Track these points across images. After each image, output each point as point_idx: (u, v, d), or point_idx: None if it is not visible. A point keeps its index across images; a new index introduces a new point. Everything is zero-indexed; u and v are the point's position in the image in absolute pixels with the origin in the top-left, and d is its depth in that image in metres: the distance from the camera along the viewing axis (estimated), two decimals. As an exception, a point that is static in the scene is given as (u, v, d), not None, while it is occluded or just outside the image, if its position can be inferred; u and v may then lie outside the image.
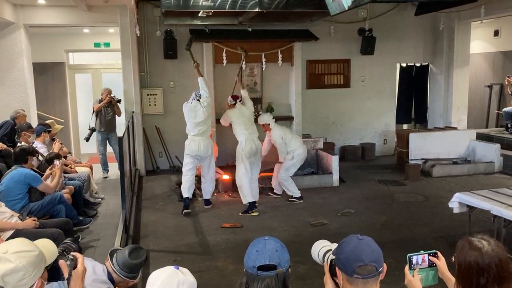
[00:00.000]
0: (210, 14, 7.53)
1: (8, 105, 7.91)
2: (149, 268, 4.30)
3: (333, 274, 1.86)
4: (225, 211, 6.77)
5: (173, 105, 9.05)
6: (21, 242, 1.76)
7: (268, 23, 8.92)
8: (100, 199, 7.12)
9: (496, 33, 11.25)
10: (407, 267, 2.11)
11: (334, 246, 1.92)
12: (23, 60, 8.22)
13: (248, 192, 6.66)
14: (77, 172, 6.86)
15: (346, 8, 5.93)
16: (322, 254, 1.95)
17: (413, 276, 2.10)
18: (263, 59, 8.91)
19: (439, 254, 2.16)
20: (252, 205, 6.63)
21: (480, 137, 9.35)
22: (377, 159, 10.14)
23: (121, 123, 8.64)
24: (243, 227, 6.09)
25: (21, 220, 4.56)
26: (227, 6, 6.83)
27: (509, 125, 9.52)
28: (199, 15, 7.62)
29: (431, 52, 10.65)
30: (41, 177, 5.27)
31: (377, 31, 9.86)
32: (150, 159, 9.31)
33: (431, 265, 2.13)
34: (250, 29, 9.22)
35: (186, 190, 6.67)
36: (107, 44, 10.75)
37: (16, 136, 6.58)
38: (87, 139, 8.53)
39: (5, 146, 6.23)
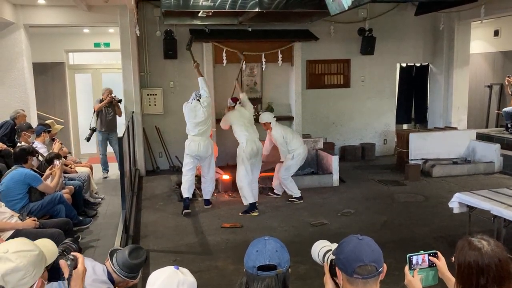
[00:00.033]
0: (210, 14, 7.54)
1: (8, 105, 7.92)
2: (149, 268, 4.30)
3: (333, 274, 1.86)
4: (225, 211, 6.77)
5: (173, 105, 9.05)
6: (22, 242, 1.76)
7: (268, 23, 8.92)
8: (100, 199, 7.13)
9: (496, 33, 11.25)
10: (407, 267, 2.11)
11: (334, 246, 1.92)
12: (23, 60, 8.22)
13: (249, 193, 6.66)
14: (77, 172, 6.86)
15: (346, 8, 5.92)
16: (322, 254, 1.95)
17: (413, 276, 2.09)
18: (263, 59, 8.91)
19: (439, 254, 2.16)
20: (252, 206, 6.63)
21: (480, 137, 9.35)
22: (377, 159, 10.14)
23: (121, 123, 8.64)
24: (243, 227, 6.09)
25: (21, 220, 4.56)
26: (227, 6, 6.83)
27: (509, 125, 9.53)
28: (199, 15, 7.62)
29: (431, 52, 10.66)
30: (41, 177, 5.27)
31: (377, 31, 9.86)
32: (150, 159, 9.31)
33: (431, 265, 2.13)
34: (250, 29, 9.22)
35: (186, 190, 6.67)
36: (107, 44, 10.75)
37: (16, 136, 6.58)
38: (88, 139, 8.53)
39: (5, 146, 6.23)
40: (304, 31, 9.49)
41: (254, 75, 9.59)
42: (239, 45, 8.93)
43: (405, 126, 11.23)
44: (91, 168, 7.44)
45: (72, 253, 1.97)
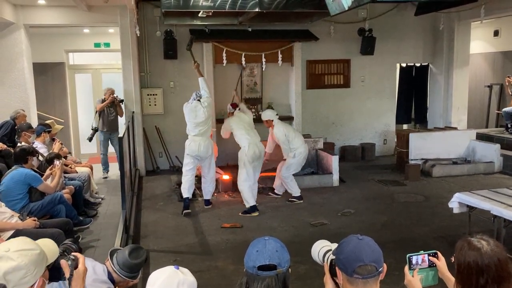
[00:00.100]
0: (210, 14, 7.54)
1: (8, 105, 7.92)
2: (149, 268, 4.30)
3: (333, 274, 1.86)
4: (225, 211, 6.77)
5: (173, 105, 9.06)
6: (23, 241, 1.77)
7: (268, 23, 8.92)
8: (100, 199, 7.13)
9: (496, 33, 11.25)
10: (406, 267, 2.11)
11: (334, 246, 1.92)
12: (23, 60, 8.22)
13: (250, 196, 6.66)
14: (77, 172, 6.86)
15: (346, 8, 5.92)
16: (322, 254, 1.96)
17: (412, 276, 2.10)
18: (263, 59, 8.92)
19: (439, 254, 2.16)
20: (253, 208, 6.62)
21: (480, 137, 9.35)
22: (377, 159, 10.14)
23: (121, 123, 8.65)
24: (243, 227, 6.09)
25: (21, 220, 4.56)
26: (227, 6, 6.84)
27: (509, 125, 9.52)
28: (199, 15, 7.62)
29: (431, 52, 10.66)
30: (41, 177, 5.28)
31: (377, 31, 9.87)
32: (150, 159, 9.31)
33: (431, 265, 2.13)
34: (250, 29, 9.22)
35: (186, 190, 6.68)
36: (107, 44, 10.75)
37: (16, 136, 6.58)
38: (90, 139, 8.54)
39: (5, 146, 6.23)
40: (304, 31, 9.50)
41: (254, 75, 9.60)
42: (239, 45, 8.94)
43: (405, 126, 11.23)
44: (91, 168, 7.44)
45: (72, 253, 1.98)
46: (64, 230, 4.58)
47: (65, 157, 6.96)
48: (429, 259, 2.13)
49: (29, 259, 1.69)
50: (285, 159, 7.16)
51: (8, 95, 8.17)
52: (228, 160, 8.44)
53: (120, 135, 5.62)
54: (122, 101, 8.62)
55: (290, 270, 1.78)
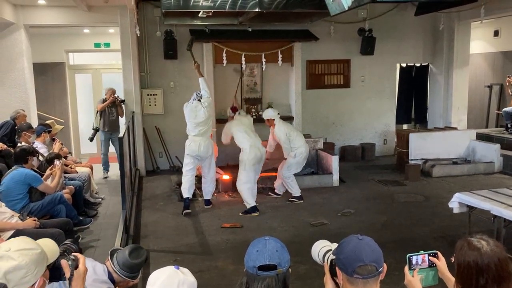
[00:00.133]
0: (210, 14, 7.54)
1: (8, 105, 7.92)
2: (149, 268, 4.30)
3: (333, 274, 1.86)
4: (225, 211, 6.77)
5: (173, 105, 9.06)
6: (24, 240, 1.78)
7: (268, 23, 8.92)
8: (100, 199, 7.14)
9: (496, 33, 11.25)
10: (406, 267, 2.11)
11: (334, 246, 1.93)
12: (23, 61, 8.23)
13: (249, 197, 6.66)
14: (77, 172, 6.87)
15: (346, 8, 5.92)
16: (322, 254, 1.96)
17: (413, 276, 2.10)
18: (263, 59, 8.91)
19: (439, 254, 2.16)
20: (254, 208, 6.62)
21: (480, 137, 9.35)
22: (377, 159, 10.14)
23: (122, 123, 8.65)
24: (243, 227, 6.09)
25: (22, 220, 4.56)
26: (227, 7, 6.84)
27: (509, 125, 9.52)
28: (199, 15, 7.62)
29: (431, 52, 10.66)
30: (41, 177, 5.28)
31: (377, 31, 9.87)
32: (150, 159, 9.32)
33: (431, 265, 2.13)
34: (250, 29, 9.22)
35: (186, 190, 6.68)
36: (107, 44, 10.75)
37: (16, 136, 6.58)
38: (91, 139, 8.54)
39: (6, 146, 6.23)
40: (304, 31, 9.50)
41: (254, 75, 9.61)
42: (239, 45, 8.95)
43: (405, 126, 11.23)
44: (91, 168, 7.45)
45: (73, 253, 1.98)
46: (64, 230, 4.58)
47: (65, 157, 6.96)
48: (429, 259, 2.13)
49: (29, 259, 1.69)
50: (285, 159, 7.16)
51: (8, 95, 8.17)
52: (228, 160, 8.44)
53: (121, 135, 5.62)
54: (123, 101, 8.62)
55: (290, 270, 1.79)
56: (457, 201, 5.16)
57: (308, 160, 7.76)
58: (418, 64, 10.77)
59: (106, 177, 8.60)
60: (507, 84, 9.66)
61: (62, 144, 6.89)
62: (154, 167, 9.35)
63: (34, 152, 5.46)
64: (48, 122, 7.40)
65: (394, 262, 2.85)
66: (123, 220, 5.35)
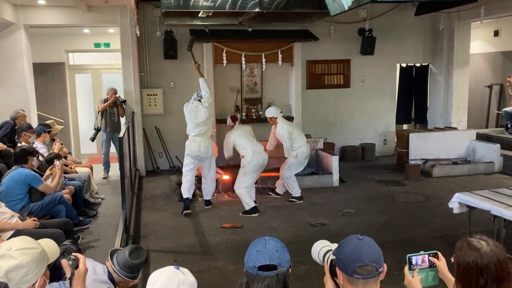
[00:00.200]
0: (210, 14, 7.54)
1: (8, 106, 7.92)
2: (149, 268, 4.30)
3: (333, 274, 1.86)
4: (225, 211, 6.77)
5: (173, 105, 9.07)
6: (24, 240, 1.78)
7: (268, 23, 8.92)
8: (100, 199, 7.13)
9: (496, 33, 11.25)
10: (406, 268, 2.11)
11: (334, 246, 1.93)
12: (23, 61, 8.23)
13: (248, 198, 6.65)
14: (77, 173, 6.87)
15: (346, 8, 5.92)
16: (322, 254, 1.96)
17: (412, 276, 2.09)
18: (263, 59, 8.92)
19: (440, 254, 2.16)
20: (254, 209, 6.62)
21: (480, 137, 9.35)
22: (377, 159, 10.14)
23: (121, 123, 8.64)
24: (243, 227, 6.09)
25: (22, 220, 4.57)
26: (227, 7, 6.84)
27: (509, 125, 9.52)
28: (199, 15, 7.63)
29: (431, 52, 10.66)
30: (41, 177, 5.28)
31: (377, 31, 9.87)
32: (150, 160, 9.32)
33: (431, 265, 2.12)
34: (250, 29, 9.22)
35: (186, 191, 6.68)
36: (107, 45, 10.75)
37: (16, 137, 6.58)
38: (93, 139, 8.54)
39: (5, 146, 6.23)
40: (304, 31, 9.50)
41: (254, 75, 9.60)
42: (239, 45, 8.95)
43: (405, 126, 11.23)
44: (91, 168, 7.44)
45: (73, 253, 1.98)
46: (64, 230, 4.58)
47: (65, 157, 6.96)
48: (429, 260, 2.12)
49: (30, 258, 1.70)
50: (286, 157, 7.16)
51: (8, 95, 8.17)
52: (228, 160, 8.43)
53: (121, 135, 5.62)
54: (124, 101, 8.61)
55: (290, 270, 1.79)
56: (457, 201, 5.16)
57: (308, 160, 7.76)
58: (418, 64, 10.77)
59: (105, 177, 8.59)
60: (507, 84, 9.66)
61: (62, 144, 6.89)
62: (154, 167, 9.35)
63: (34, 152, 5.46)
64: (48, 122, 7.40)
65: (394, 262, 2.86)
66: (123, 220, 5.35)
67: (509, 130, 9.51)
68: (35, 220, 4.60)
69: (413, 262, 2.11)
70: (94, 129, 8.55)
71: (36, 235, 3.05)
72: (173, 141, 9.19)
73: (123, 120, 8.67)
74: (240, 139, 6.78)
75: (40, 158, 6.06)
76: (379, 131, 10.55)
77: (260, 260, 1.72)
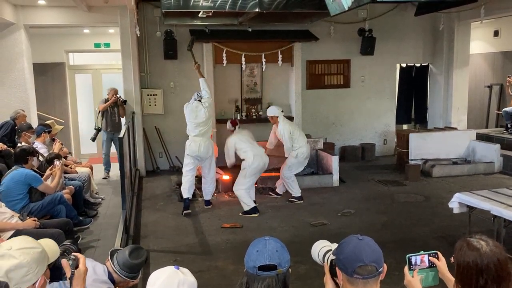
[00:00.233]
0: (210, 14, 7.54)
1: (8, 106, 7.92)
2: (150, 268, 4.30)
3: (333, 274, 1.86)
4: (225, 211, 6.78)
5: (173, 105, 9.07)
6: (25, 239, 1.78)
7: (268, 23, 8.92)
8: (100, 199, 7.14)
9: (496, 33, 11.25)
10: (406, 268, 2.11)
11: (334, 246, 1.93)
12: (23, 61, 8.23)
13: (247, 198, 6.65)
14: (77, 173, 6.87)
15: (346, 9, 5.92)
16: (322, 254, 1.96)
17: (412, 276, 2.09)
18: (263, 60, 8.93)
19: (440, 254, 2.16)
20: (254, 209, 6.62)
21: (480, 137, 9.35)
22: (377, 159, 10.14)
23: (122, 123, 8.65)
24: (243, 227, 6.09)
25: (22, 220, 4.57)
26: (227, 7, 6.84)
27: (509, 125, 9.52)
28: (199, 15, 7.63)
29: (431, 52, 10.66)
30: (41, 177, 5.28)
31: (377, 31, 9.87)
32: (150, 160, 9.32)
33: (431, 265, 2.12)
34: (250, 30, 9.23)
35: (186, 191, 6.68)
36: (107, 45, 10.75)
37: (16, 137, 6.59)
38: (93, 139, 8.54)
39: (5, 146, 6.23)
40: (304, 32, 9.50)
41: (254, 75, 9.61)
42: (239, 45, 8.95)
43: (405, 127, 11.23)
44: (91, 168, 7.45)
45: (73, 253, 1.98)
46: (64, 230, 4.58)
47: (65, 158, 6.96)
48: (429, 260, 2.12)
49: (31, 257, 1.70)
50: (286, 158, 7.16)
51: (8, 95, 8.17)
52: (231, 167, 8.41)
53: (121, 135, 5.63)
54: (125, 101, 8.61)
55: (290, 270, 1.79)
56: (457, 201, 5.17)
57: (308, 160, 7.76)
58: (418, 64, 10.77)
59: (105, 178, 8.59)
60: (507, 84, 9.66)
61: (62, 144, 6.89)
62: (154, 167, 9.35)
63: (34, 152, 5.46)
64: (48, 122, 7.40)
65: (394, 262, 2.86)
66: (123, 220, 5.35)
67: (509, 130, 9.51)
68: (35, 220, 4.60)
69: (413, 262, 2.11)
70: (95, 129, 8.55)
71: (36, 235, 3.05)
72: (173, 141, 9.19)
73: (123, 120, 8.67)
74: (241, 142, 6.77)
75: (40, 158, 6.06)
76: (379, 131, 10.55)
77: (260, 260, 1.72)
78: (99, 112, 8.52)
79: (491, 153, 8.69)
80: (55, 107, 10.49)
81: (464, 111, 10.63)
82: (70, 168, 6.91)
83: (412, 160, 8.77)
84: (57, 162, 5.57)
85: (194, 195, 7.06)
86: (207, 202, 6.97)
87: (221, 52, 8.88)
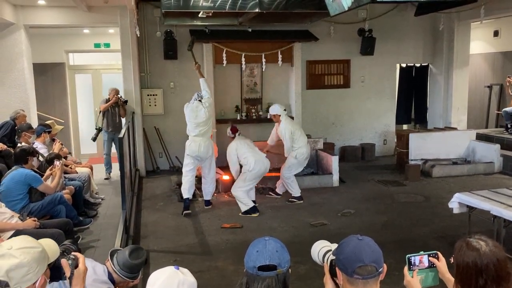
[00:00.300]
0: (210, 14, 7.54)
1: (8, 106, 7.92)
2: (149, 268, 4.31)
3: (333, 275, 1.86)
4: (225, 211, 6.78)
5: (173, 105, 9.07)
6: (25, 239, 1.79)
7: (268, 23, 8.92)
8: (100, 200, 7.14)
9: (495, 33, 11.26)
10: (406, 268, 2.11)
11: (334, 246, 1.93)
12: (23, 61, 8.23)
13: (247, 199, 6.66)
14: (77, 173, 6.87)
15: (346, 9, 5.92)
16: (322, 254, 1.96)
17: (412, 277, 2.09)
18: (263, 60, 8.93)
19: (440, 255, 2.16)
20: (254, 209, 6.62)
21: (480, 137, 9.35)
22: (377, 159, 10.14)
23: (123, 123, 8.65)
24: (243, 227, 6.09)
25: (22, 220, 4.57)
26: (227, 7, 6.84)
27: (509, 125, 9.52)
28: (199, 15, 7.63)
29: (431, 52, 10.66)
30: (41, 177, 5.28)
31: (377, 31, 9.87)
32: (150, 160, 9.32)
33: (431, 266, 2.12)
34: (250, 30, 9.23)
35: (186, 191, 6.68)
36: (107, 45, 10.76)
37: (16, 137, 6.58)
38: (94, 139, 8.54)
39: (5, 146, 6.23)
40: (304, 32, 9.50)
41: (254, 75, 9.61)
42: (239, 45, 8.96)
43: (405, 127, 11.23)
44: (91, 169, 7.45)
45: (73, 253, 1.99)
46: (64, 230, 4.59)
47: (65, 158, 6.96)
48: (429, 260, 2.12)
49: (31, 257, 1.70)
50: (285, 157, 7.16)
51: (8, 95, 8.17)
52: (237, 176, 8.41)
53: (121, 135, 5.63)
54: (126, 101, 8.60)
55: (290, 270, 1.79)
56: (457, 201, 5.17)
57: (308, 160, 7.77)
58: (418, 65, 10.78)
59: (107, 178, 8.58)
60: (507, 84, 9.66)
61: (62, 144, 6.89)
62: (154, 167, 9.35)
63: (34, 153, 5.46)
64: (48, 122, 7.40)
65: (394, 262, 2.85)
66: (123, 220, 5.35)
67: (509, 130, 9.51)
68: (35, 220, 4.60)
69: (413, 263, 2.11)
70: (96, 129, 8.55)
71: (36, 235, 3.05)
72: (173, 141, 9.19)
73: (123, 120, 8.67)
74: (242, 147, 6.76)
75: (40, 158, 6.07)
76: (379, 131, 10.55)
77: (260, 260, 1.72)
78: (100, 112, 8.52)
79: (491, 153, 8.69)
80: (55, 107, 10.50)
81: (464, 111, 10.64)
82: (70, 168, 6.91)
83: (412, 160, 8.77)
84: (57, 162, 5.58)
85: (194, 195, 7.06)
86: (207, 202, 6.98)
87: (221, 52, 8.88)
